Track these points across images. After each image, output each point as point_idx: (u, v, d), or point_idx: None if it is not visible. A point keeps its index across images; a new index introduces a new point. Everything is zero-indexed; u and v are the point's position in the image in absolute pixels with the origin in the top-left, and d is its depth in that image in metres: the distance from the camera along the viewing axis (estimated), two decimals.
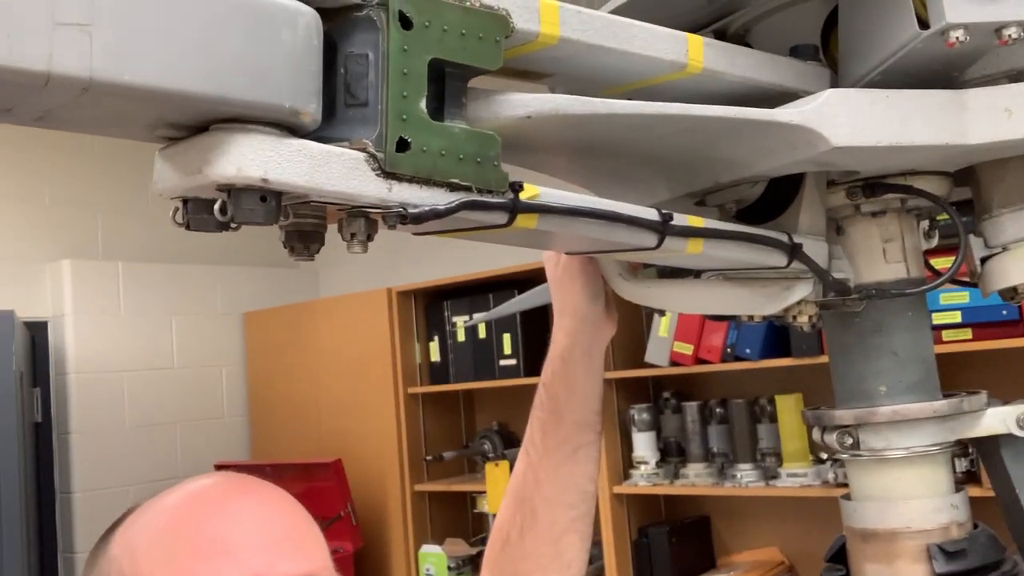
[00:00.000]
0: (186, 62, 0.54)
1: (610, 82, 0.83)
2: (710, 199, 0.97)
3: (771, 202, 0.94)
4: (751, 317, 0.97)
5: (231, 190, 0.58)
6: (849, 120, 0.80)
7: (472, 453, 3.94)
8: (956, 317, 2.63)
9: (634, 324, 3.35)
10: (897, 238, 0.96)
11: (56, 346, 4.05)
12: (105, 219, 4.32)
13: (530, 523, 1.00)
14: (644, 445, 3.31)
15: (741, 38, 0.98)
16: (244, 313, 4.64)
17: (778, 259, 0.88)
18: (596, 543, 3.27)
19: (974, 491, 0.99)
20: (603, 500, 3.25)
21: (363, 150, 0.62)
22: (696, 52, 0.82)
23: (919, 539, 0.91)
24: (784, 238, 0.88)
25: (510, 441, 3.73)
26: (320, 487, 3.72)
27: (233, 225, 0.60)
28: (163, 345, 4.34)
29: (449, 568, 3.70)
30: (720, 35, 0.97)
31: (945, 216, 0.95)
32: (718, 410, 3.26)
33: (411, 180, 0.64)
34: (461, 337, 3.88)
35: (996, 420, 0.93)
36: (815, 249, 0.91)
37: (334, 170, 0.60)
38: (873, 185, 0.92)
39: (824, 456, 2.93)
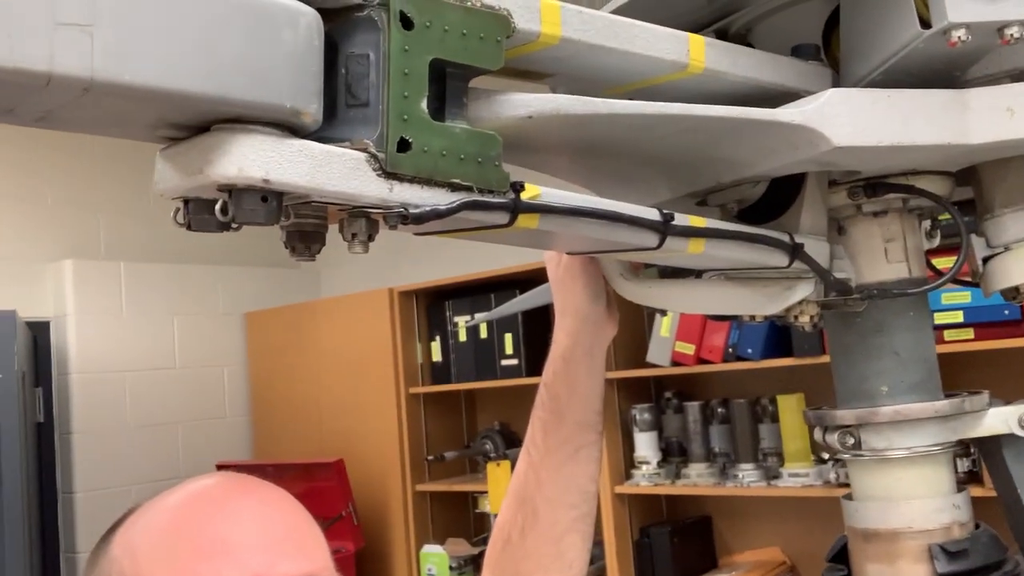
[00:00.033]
0: (187, 62, 0.54)
1: (611, 82, 0.83)
2: (711, 199, 0.97)
3: (772, 202, 0.94)
4: (753, 317, 0.97)
5: (232, 190, 0.58)
6: (851, 120, 0.80)
7: (474, 453, 3.94)
8: (958, 317, 2.63)
9: (636, 324, 3.35)
10: (899, 238, 0.95)
11: (58, 346, 4.06)
12: (107, 219, 4.32)
13: (531, 523, 1.00)
14: (646, 445, 3.31)
15: (742, 38, 0.98)
16: (246, 313, 4.65)
17: (779, 259, 0.88)
18: (598, 543, 3.27)
19: (976, 491, 0.99)
20: (605, 500, 3.25)
21: (364, 150, 0.62)
22: (697, 52, 0.82)
23: (921, 539, 0.91)
24: (785, 238, 0.88)
25: (512, 441, 3.73)
26: (322, 487, 3.72)
27: (234, 225, 0.60)
28: (165, 345, 4.34)
29: (451, 568, 3.70)
30: (721, 35, 0.97)
31: (947, 216, 0.95)
32: (720, 410, 3.26)
33: (412, 180, 0.64)
34: (463, 337, 3.88)
35: (998, 420, 0.93)
36: (816, 249, 0.91)
37: (335, 170, 0.60)
38: (875, 185, 0.92)
39: (826, 456, 2.92)
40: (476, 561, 3.70)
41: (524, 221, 0.70)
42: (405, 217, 0.63)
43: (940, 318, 2.60)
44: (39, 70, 0.49)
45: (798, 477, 2.99)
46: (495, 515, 1.04)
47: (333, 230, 0.68)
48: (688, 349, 3.16)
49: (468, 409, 4.23)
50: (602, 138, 0.82)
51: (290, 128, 0.60)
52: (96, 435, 4.05)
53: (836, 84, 0.91)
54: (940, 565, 0.89)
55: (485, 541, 1.04)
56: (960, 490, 0.94)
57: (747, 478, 3.11)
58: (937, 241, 1.02)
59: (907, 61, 0.83)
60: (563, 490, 1.01)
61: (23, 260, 4.06)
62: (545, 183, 0.72)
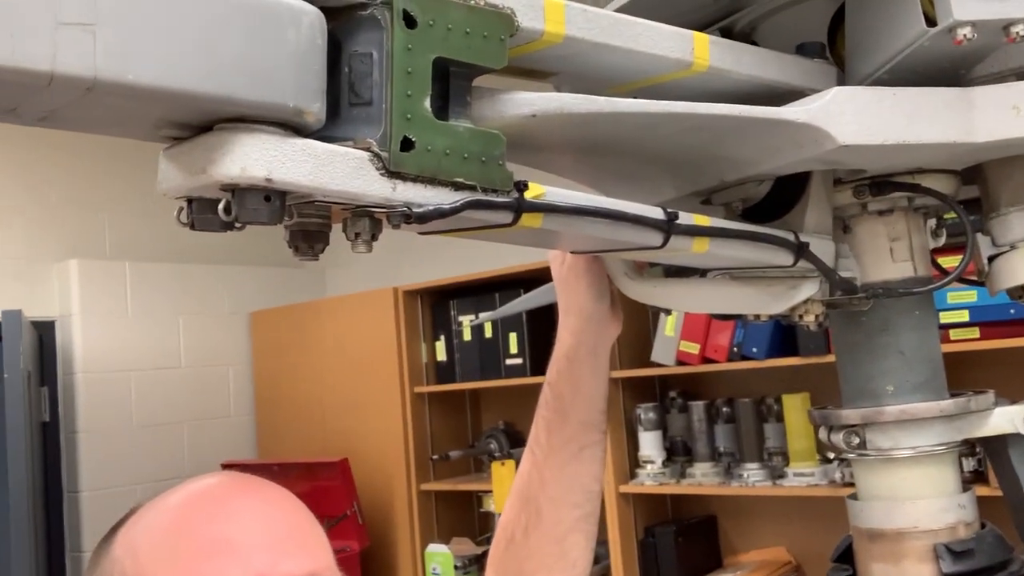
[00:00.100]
0: (189, 62, 0.54)
1: (615, 80, 0.82)
2: (716, 198, 0.97)
3: (777, 201, 0.94)
4: (757, 316, 0.97)
5: (235, 190, 0.58)
6: (856, 118, 0.80)
7: (478, 452, 3.94)
8: (964, 316, 2.62)
9: (640, 323, 3.35)
10: (904, 237, 0.95)
11: (63, 346, 4.06)
12: (112, 219, 4.33)
13: (535, 522, 1.00)
14: (650, 444, 3.31)
15: (747, 36, 0.98)
16: (251, 313, 4.65)
17: (784, 258, 0.88)
18: (602, 542, 3.27)
19: (981, 491, 0.99)
20: (609, 499, 3.24)
21: (367, 149, 0.61)
22: (702, 50, 0.82)
23: (926, 539, 0.91)
24: (790, 237, 0.88)
25: (516, 440, 3.73)
26: (326, 486, 3.72)
27: (237, 225, 0.60)
28: (170, 345, 4.35)
29: (455, 567, 3.70)
30: (726, 33, 0.97)
31: (952, 215, 0.95)
32: (724, 409, 3.25)
33: (415, 179, 0.63)
34: (467, 336, 3.88)
35: (1003, 419, 0.93)
36: (822, 248, 0.91)
37: (338, 169, 0.60)
38: (880, 183, 0.92)
39: (831, 456, 2.92)
40: (481, 560, 3.70)
41: (528, 220, 0.70)
42: (408, 216, 0.63)
43: (946, 317, 2.60)
44: (41, 70, 0.49)
45: (803, 477, 2.98)
46: (500, 514, 1.04)
47: (337, 229, 0.68)
48: (693, 348, 3.16)
49: (473, 408, 4.23)
50: (606, 137, 0.82)
51: (293, 127, 0.60)
52: (101, 434, 4.06)
53: (841, 82, 0.90)
54: (945, 565, 0.89)
55: (489, 540, 1.04)
56: (965, 490, 0.94)
57: (752, 478, 3.10)
58: (943, 240, 1.02)
59: (912, 59, 0.83)
60: (567, 489, 1.01)
61: (28, 260, 4.06)
62: (549, 182, 0.72)
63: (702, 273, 0.96)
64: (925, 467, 0.92)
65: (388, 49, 0.62)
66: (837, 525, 1.01)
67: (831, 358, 1.02)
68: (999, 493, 0.96)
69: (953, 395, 0.95)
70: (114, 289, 4.18)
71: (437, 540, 3.86)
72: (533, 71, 0.79)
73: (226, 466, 3.90)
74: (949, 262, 1.03)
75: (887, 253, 0.95)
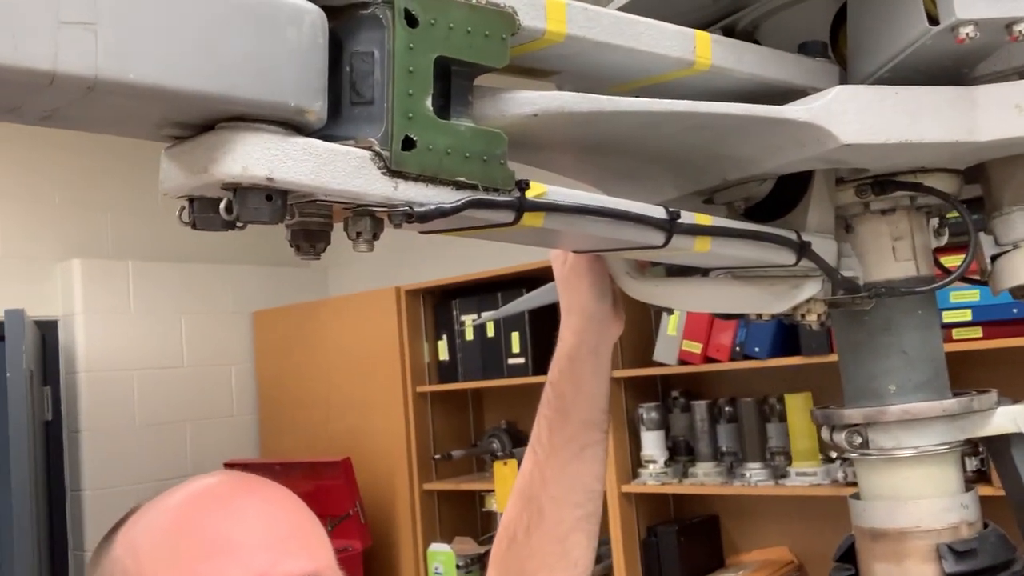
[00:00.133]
0: (191, 61, 0.54)
1: (617, 79, 0.82)
2: (718, 197, 0.97)
3: (779, 200, 0.94)
4: (760, 315, 0.96)
5: (237, 189, 0.58)
6: (858, 117, 0.80)
7: (481, 452, 3.94)
8: (966, 315, 2.61)
9: (642, 322, 3.35)
10: (907, 236, 0.95)
11: (66, 345, 4.07)
12: (115, 218, 4.34)
13: (536, 521, 1.00)
14: (653, 444, 3.31)
15: (749, 35, 0.97)
16: (253, 312, 4.65)
17: (787, 257, 0.88)
18: (604, 542, 3.27)
19: (984, 490, 0.98)
20: (612, 499, 3.24)
21: (369, 148, 0.61)
22: (704, 49, 0.82)
23: (928, 539, 0.90)
24: (793, 236, 0.88)
25: (519, 440, 3.73)
26: (329, 486, 3.73)
27: (239, 224, 0.60)
28: (173, 344, 4.35)
29: (458, 567, 3.70)
30: (728, 32, 0.97)
31: (955, 214, 0.95)
32: (727, 409, 3.25)
33: (417, 178, 0.63)
34: (469, 336, 3.88)
35: (1006, 419, 0.93)
36: (824, 247, 0.91)
37: (339, 168, 0.60)
38: (882, 183, 0.92)
39: (834, 455, 2.92)
40: (483, 560, 3.70)
41: (529, 219, 0.69)
42: (410, 215, 0.63)
43: (948, 316, 2.59)
44: (43, 69, 0.49)
45: (806, 476, 2.98)
46: (502, 514, 1.04)
47: (339, 229, 0.68)
48: (695, 348, 3.16)
49: (475, 408, 4.23)
50: (608, 136, 0.81)
51: (294, 126, 0.60)
52: (104, 433, 4.06)
53: (843, 81, 0.90)
54: (948, 565, 0.88)
55: (492, 540, 1.04)
56: (968, 489, 0.94)
57: (754, 477, 3.10)
58: (945, 239, 1.02)
59: (915, 58, 0.83)
60: (568, 489, 1.01)
61: (31, 259, 4.07)
62: (551, 181, 0.72)
63: (704, 272, 0.96)
64: (928, 467, 0.92)
65: (390, 48, 0.62)
66: (839, 525, 1.00)
67: (833, 358, 1.02)
68: (1002, 493, 0.96)
69: (956, 394, 0.94)
70: (117, 288, 4.18)
71: (439, 539, 3.86)
72: (535, 70, 0.79)
73: (228, 465, 3.90)
74: (952, 261, 1.03)
75: (889, 252, 0.95)
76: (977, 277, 1.00)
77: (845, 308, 0.96)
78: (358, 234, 0.65)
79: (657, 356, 3.26)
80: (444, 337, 3.98)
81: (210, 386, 4.48)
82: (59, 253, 4.13)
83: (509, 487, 1.05)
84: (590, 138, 0.82)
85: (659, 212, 0.78)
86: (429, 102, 0.64)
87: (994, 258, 0.94)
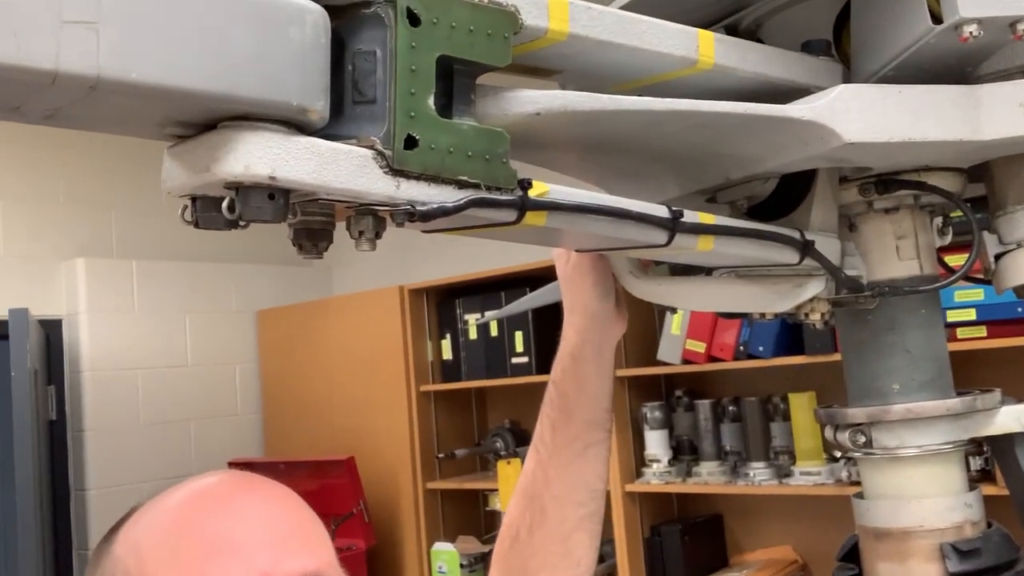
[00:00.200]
0: (193, 60, 0.54)
1: (620, 78, 0.82)
2: (721, 196, 0.97)
3: (783, 199, 0.94)
4: (763, 314, 0.96)
5: (239, 188, 0.58)
6: (861, 116, 0.80)
7: (484, 451, 3.94)
8: (970, 315, 2.61)
9: (646, 322, 3.35)
10: (910, 235, 0.95)
11: (70, 344, 4.08)
12: (119, 217, 4.34)
13: (539, 521, 1.00)
14: (656, 443, 3.31)
15: (752, 33, 0.97)
16: (258, 311, 4.66)
17: (790, 256, 0.88)
18: (608, 541, 3.27)
19: (988, 490, 0.99)
20: (615, 498, 3.24)
21: (371, 147, 0.61)
22: (707, 48, 0.82)
23: (932, 538, 0.90)
24: (796, 235, 0.88)
25: (522, 439, 3.73)
26: (333, 484, 3.73)
27: (241, 223, 0.60)
28: (177, 343, 4.36)
29: (461, 565, 3.70)
30: (731, 31, 0.97)
31: (959, 213, 0.94)
32: (731, 408, 3.25)
33: (419, 177, 0.63)
34: (473, 335, 3.88)
35: (1010, 418, 0.93)
36: (827, 246, 0.91)
37: (342, 167, 0.60)
38: (886, 181, 0.92)
39: (837, 454, 2.91)
40: (487, 559, 3.69)
41: (532, 218, 0.69)
42: (412, 214, 0.63)
43: (952, 316, 2.59)
44: (45, 68, 0.49)
45: (810, 475, 2.97)
46: (505, 512, 1.04)
47: (343, 227, 0.68)
48: (699, 347, 3.16)
49: (478, 407, 4.23)
50: (610, 135, 0.81)
51: (297, 125, 0.60)
52: (108, 432, 4.07)
53: (847, 80, 0.90)
54: (951, 564, 0.88)
55: (495, 539, 1.04)
56: (972, 489, 0.94)
57: (758, 476, 3.10)
58: (949, 238, 1.02)
59: (918, 57, 0.83)
60: (571, 488, 1.01)
61: (35, 258, 4.08)
62: (553, 180, 0.72)
63: (707, 271, 0.96)
64: (931, 466, 0.92)
65: (392, 47, 0.62)
66: (843, 524, 1.00)
67: (837, 357, 1.02)
68: (1006, 492, 0.96)
69: (960, 394, 0.94)
70: (121, 287, 4.19)
71: (443, 538, 3.86)
72: (537, 69, 0.79)
73: (233, 464, 3.91)
74: (955, 260, 1.02)
75: (893, 251, 0.95)
76: (981, 276, 1.00)
77: (849, 307, 0.95)
78: (360, 233, 0.65)
79: (661, 355, 3.26)
80: (448, 336, 3.98)
81: (214, 385, 4.48)
82: (63, 252, 4.13)
83: (512, 486, 1.05)
84: (592, 137, 0.82)
85: (662, 211, 0.78)
86: (431, 101, 0.64)
87: (998, 257, 0.94)
